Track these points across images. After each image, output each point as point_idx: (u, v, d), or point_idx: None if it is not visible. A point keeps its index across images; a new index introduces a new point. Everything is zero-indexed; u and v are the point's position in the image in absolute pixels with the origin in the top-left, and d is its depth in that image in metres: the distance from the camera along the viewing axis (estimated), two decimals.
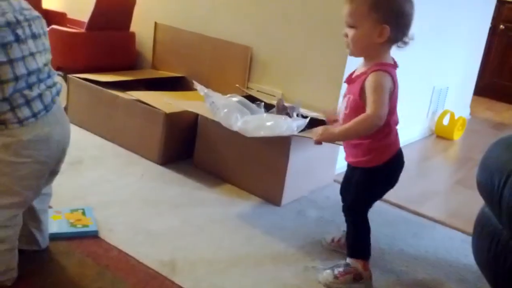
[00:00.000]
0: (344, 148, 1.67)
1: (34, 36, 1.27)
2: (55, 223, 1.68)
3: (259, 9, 2.67)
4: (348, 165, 1.71)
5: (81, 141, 2.47)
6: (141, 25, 3.12)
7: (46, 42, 1.34)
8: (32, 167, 1.28)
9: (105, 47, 2.93)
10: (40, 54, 1.29)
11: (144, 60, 3.19)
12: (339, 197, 1.75)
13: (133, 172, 2.23)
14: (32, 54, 1.25)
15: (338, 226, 1.91)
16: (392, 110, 1.54)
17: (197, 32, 2.88)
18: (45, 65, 1.32)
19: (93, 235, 1.68)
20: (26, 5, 1.30)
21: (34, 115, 1.26)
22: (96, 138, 2.57)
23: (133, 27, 3.12)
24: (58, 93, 1.36)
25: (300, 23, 2.51)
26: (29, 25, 1.26)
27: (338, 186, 1.79)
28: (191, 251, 1.69)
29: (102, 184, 2.07)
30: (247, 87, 2.71)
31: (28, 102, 1.24)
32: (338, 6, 1.59)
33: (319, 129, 1.54)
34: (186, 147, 2.43)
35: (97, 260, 1.55)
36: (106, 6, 2.87)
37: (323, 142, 1.54)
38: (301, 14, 2.51)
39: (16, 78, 1.21)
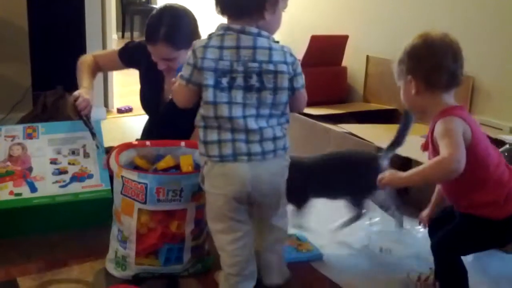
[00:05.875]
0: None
1: None
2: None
3: (479, 35, 2.47)
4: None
5: None
6: (353, 59, 3.15)
7: None
8: (219, 201, 1.37)
9: (318, 82, 3.02)
10: None
11: (355, 93, 3.21)
12: None
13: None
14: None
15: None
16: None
17: None
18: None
19: (318, 259, 1.75)
20: None
21: (221, 157, 1.34)
22: None
23: (345, 62, 3.17)
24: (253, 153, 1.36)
25: None
26: None
27: None
28: None
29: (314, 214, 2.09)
30: None
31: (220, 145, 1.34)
32: None
33: (386, 173, 1.42)
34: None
35: None
36: (319, 44, 2.98)
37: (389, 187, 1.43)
38: None
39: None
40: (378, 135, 2.35)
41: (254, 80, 1.32)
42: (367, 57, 3.06)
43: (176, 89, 1.42)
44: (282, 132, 1.40)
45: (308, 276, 1.66)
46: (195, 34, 1.89)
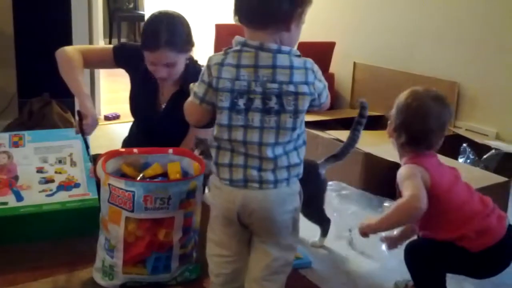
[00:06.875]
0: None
1: None
2: None
3: (464, 41, 2.50)
4: None
5: None
6: (340, 66, 3.18)
7: None
8: (214, 211, 1.36)
9: None
10: None
11: (342, 100, 3.23)
12: None
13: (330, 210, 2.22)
14: None
15: None
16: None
17: (397, 69, 2.81)
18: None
19: (307, 266, 1.76)
20: None
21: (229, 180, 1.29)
22: None
23: (332, 68, 3.19)
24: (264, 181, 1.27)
25: None
26: None
27: None
28: None
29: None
30: (454, 126, 2.53)
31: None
32: None
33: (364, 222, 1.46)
34: (386, 187, 2.34)
35: None
36: (307, 51, 2.98)
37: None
38: None
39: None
40: (365, 142, 2.36)
41: (273, 102, 1.23)
42: (354, 63, 3.08)
43: (188, 106, 1.34)
44: (298, 158, 1.31)
45: (296, 284, 1.66)
46: (190, 38, 1.92)
